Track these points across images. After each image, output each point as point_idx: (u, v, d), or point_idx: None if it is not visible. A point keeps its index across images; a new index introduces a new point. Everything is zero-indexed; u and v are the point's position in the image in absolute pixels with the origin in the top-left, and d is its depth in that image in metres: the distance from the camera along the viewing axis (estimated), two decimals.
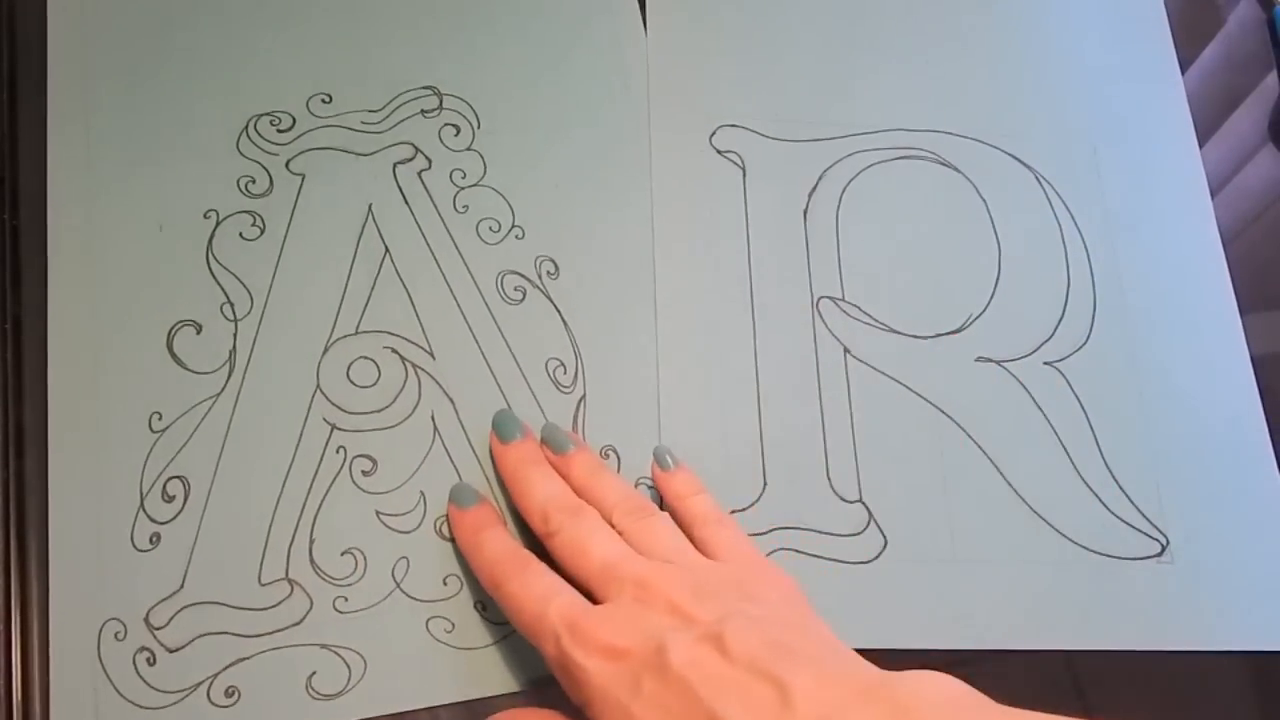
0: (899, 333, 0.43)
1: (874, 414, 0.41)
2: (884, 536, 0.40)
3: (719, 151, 0.45)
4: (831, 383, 0.42)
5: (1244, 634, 0.40)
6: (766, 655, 0.28)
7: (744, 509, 0.39)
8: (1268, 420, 0.43)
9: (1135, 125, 0.48)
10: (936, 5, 0.49)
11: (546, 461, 0.37)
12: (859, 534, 0.39)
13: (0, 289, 0.39)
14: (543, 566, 0.34)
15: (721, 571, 0.34)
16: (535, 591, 0.33)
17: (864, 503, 0.40)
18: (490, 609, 0.37)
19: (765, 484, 0.40)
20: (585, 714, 0.31)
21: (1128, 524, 0.41)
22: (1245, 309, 0.45)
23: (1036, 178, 0.46)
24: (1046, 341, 0.43)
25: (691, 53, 0.46)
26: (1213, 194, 0.47)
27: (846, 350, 0.42)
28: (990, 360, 0.43)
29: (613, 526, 0.35)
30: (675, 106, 0.45)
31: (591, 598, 0.33)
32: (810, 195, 0.44)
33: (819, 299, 0.43)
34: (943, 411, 0.42)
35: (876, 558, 0.39)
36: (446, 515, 0.38)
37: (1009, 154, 0.46)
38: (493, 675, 0.36)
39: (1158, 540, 0.41)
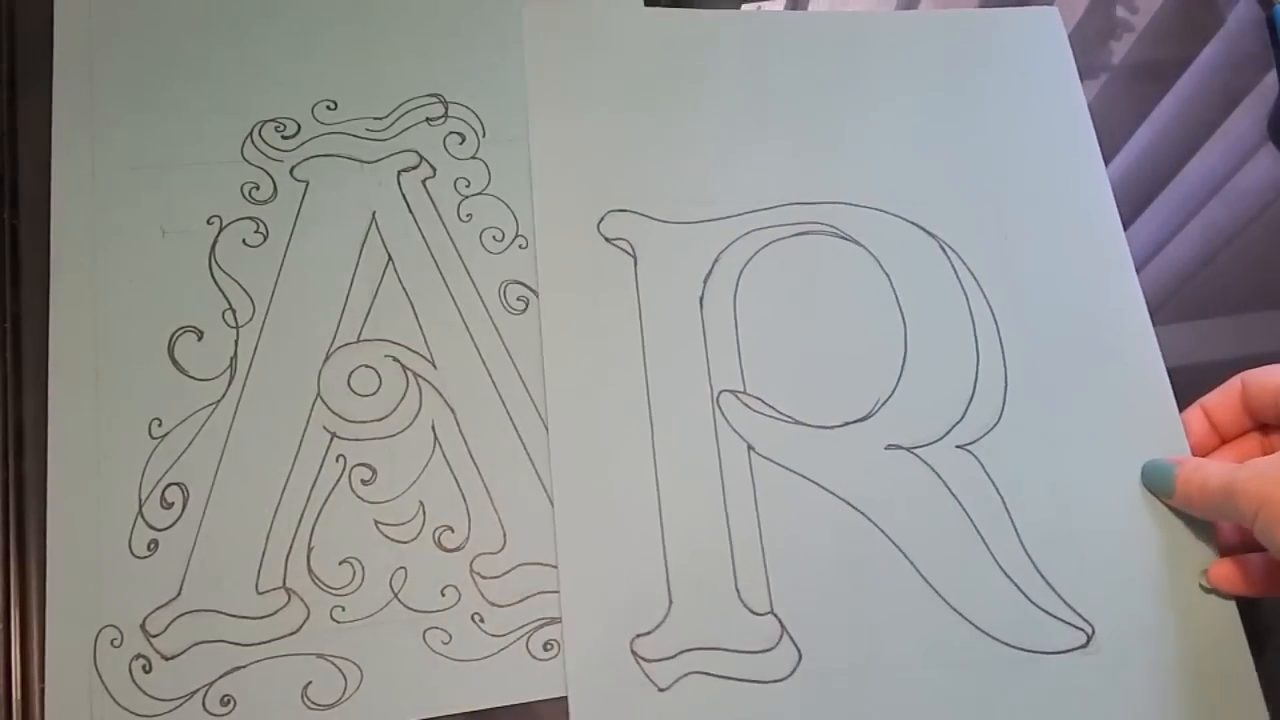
0: (805, 424, 0.40)
1: (782, 515, 0.39)
2: (798, 650, 0.37)
3: (607, 240, 0.42)
4: (736, 484, 0.39)
5: None
6: None
7: (648, 632, 0.37)
8: None
9: (1043, 183, 0.45)
10: (823, 74, 0.46)
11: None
12: (771, 649, 0.37)
13: (0, 288, 0.39)
14: None
15: None
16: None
17: (775, 614, 0.38)
18: (488, 620, 0.37)
19: (671, 602, 0.37)
20: None
21: (1051, 615, 0.38)
22: (1245, 308, 0.44)
23: (940, 246, 0.43)
24: (957, 423, 0.41)
25: (575, 141, 0.43)
26: (1212, 193, 0.46)
27: (750, 447, 0.40)
28: (900, 447, 0.40)
29: None
30: (560, 195, 0.42)
31: None
32: (705, 281, 0.42)
33: (719, 393, 0.40)
34: (853, 507, 0.39)
35: (791, 674, 0.37)
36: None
37: (910, 222, 0.44)
38: (489, 687, 0.36)
39: (1083, 630, 0.38)
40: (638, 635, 0.37)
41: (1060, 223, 0.44)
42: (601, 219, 0.43)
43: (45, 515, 0.37)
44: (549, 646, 0.37)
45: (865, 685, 0.37)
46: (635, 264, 0.42)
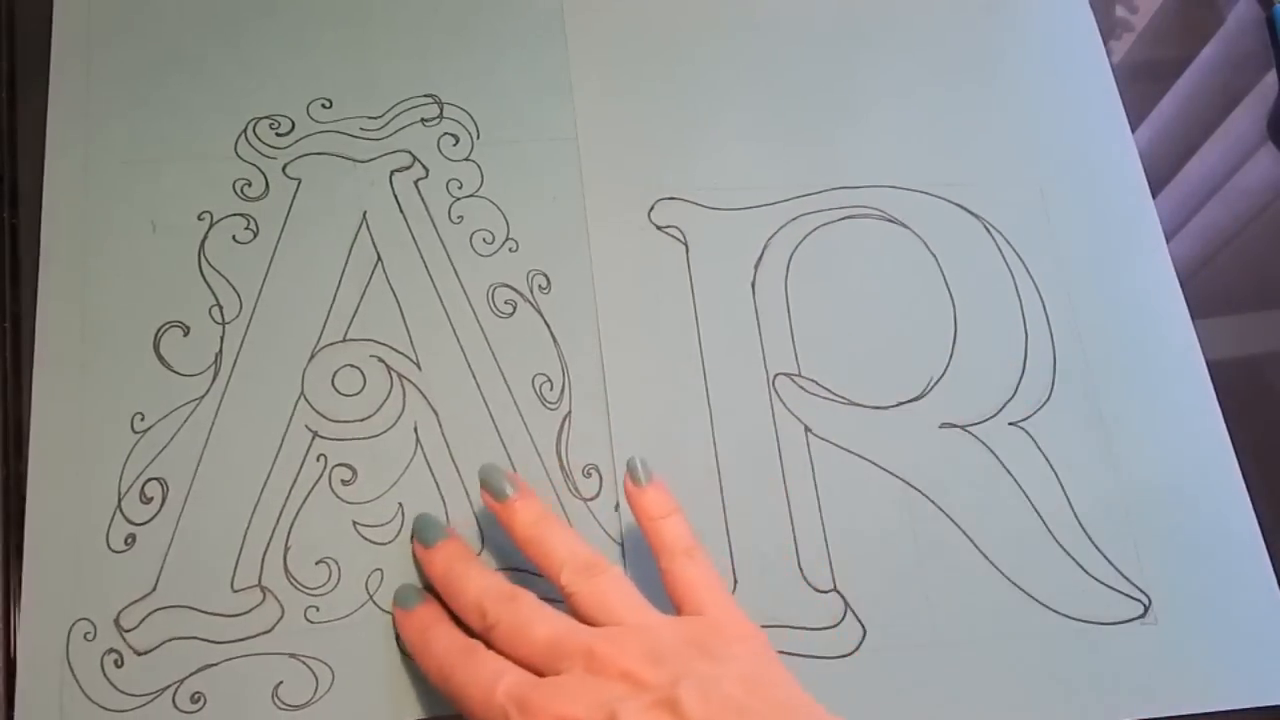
0: (860, 405, 0.41)
1: (841, 495, 0.40)
2: (862, 626, 0.38)
3: (659, 227, 0.43)
4: (795, 465, 0.40)
5: (1235, 692, 0.38)
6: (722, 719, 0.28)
7: None
8: (1267, 421, 0.42)
9: (1081, 166, 0.46)
10: (867, 58, 0.47)
11: (474, 558, 0.36)
12: (836, 625, 0.38)
13: (0, 288, 0.40)
14: (489, 653, 0.32)
15: (679, 629, 0.32)
16: (482, 676, 0.31)
17: (839, 591, 0.38)
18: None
19: (735, 582, 0.38)
20: None
21: (1108, 586, 0.39)
22: (1245, 308, 0.44)
23: (985, 227, 0.44)
24: (1009, 401, 0.41)
25: (623, 131, 0.44)
26: (1211, 193, 0.46)
27: (808, 429, 0.40)
28: (954, 425, 0.41)
29: (561, 588, 0.33)
30: (610, 184, 0.43)
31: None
32: (756, 266, 0.42)
33: (775, 376, 0.41)
34: (911, 485, 0.40)
35: (857, 649, 0.38)
36: (392, 620, 0.36)
37: (955, 204, 0.44)
38: None
39: (1139, 600, 0.39)
40: None
41: (1097, 201, 0.45)
42: (652, 207, 0.43)
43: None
44: None
45: (928, 658, 0.38)
46: (687, 251, 0.43)
